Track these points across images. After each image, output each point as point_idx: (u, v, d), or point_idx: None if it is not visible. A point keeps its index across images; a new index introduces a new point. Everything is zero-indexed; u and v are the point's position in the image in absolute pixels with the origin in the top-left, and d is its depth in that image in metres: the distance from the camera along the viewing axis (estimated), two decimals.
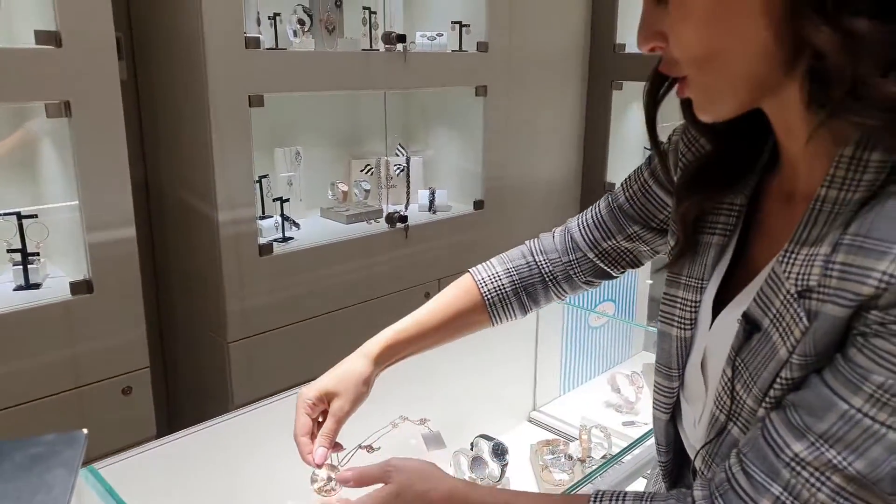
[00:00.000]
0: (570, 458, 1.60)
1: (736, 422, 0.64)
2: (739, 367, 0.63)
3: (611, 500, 0.66)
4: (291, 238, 2.35)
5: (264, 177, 2.41)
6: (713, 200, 0.72)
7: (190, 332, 2.37)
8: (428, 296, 2.75)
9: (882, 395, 0.51)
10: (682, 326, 0.72)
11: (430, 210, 2.71)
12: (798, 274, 0.57)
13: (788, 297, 0.57)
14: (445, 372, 1.60)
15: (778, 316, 0.58)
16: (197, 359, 2.37)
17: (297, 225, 2.44)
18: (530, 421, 1.85)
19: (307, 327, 2.31)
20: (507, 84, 2.85)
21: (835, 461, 0.53)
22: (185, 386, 2.50)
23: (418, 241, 2.56)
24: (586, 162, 3.32)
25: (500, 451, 1.46)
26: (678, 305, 0.73)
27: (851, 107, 0.51)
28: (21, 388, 1.79)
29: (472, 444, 1.51)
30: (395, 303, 2.54)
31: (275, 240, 2.30)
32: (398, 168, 2.75)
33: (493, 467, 1.46)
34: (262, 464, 1.29)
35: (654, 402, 0.78)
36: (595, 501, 0.67)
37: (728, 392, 0.64)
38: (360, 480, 0.83)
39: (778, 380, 0.58)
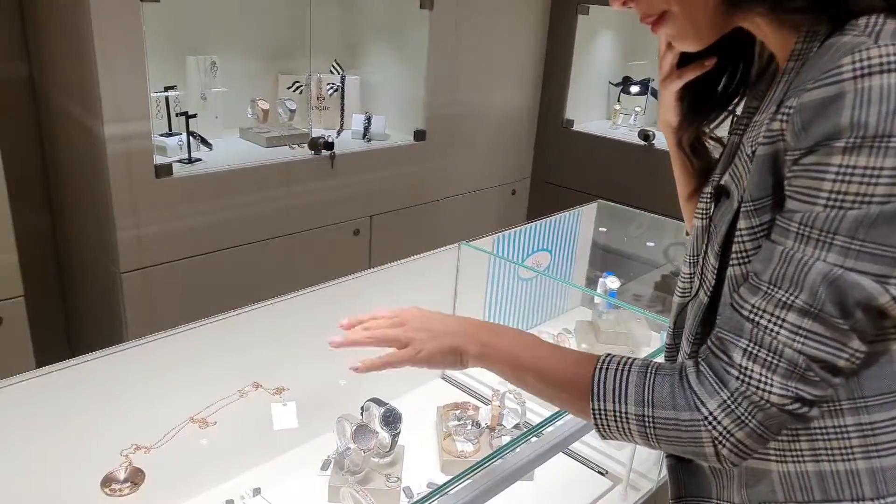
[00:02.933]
0: (478, 425, 1.42)
1: (702, 285, 0.70)
2: (712, 233, 0.69)
3: (617, 368, 0.69)
4: (199, 160, 2.08)
5: (171, 88, 2.13)
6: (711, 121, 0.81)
7: (85, 259, 2.12)
8: (357, 233, 2.54)
9: (805, 229, 0.57)
10: (702, 217, 0.75)
11: (363, 138, 2.45)
12: (753, 136, 0.64)
13: (746, 159, 0.64)
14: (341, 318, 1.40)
15: (738, 177, 0.66)
16: (92, 288, 2.13)
17: (208, 145, 2.17)
18: (444, 378, 1.67)
19: (212, 261, 2.07)
20: None
21: (783, 299, 0.59)
22: (83, 317, 2.27)
23: (348, 171, 2.31)
24: (545, 95, 3.05)
25: (391, 419, 1.27)
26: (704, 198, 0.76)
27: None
28: None
29: (361, 408, 1.32)
30: (317, 240, 2.31)
31: (179, 160, 2.04)
32: (332, 88, 2.47)
33: (383, 436, 1.28)
34: (139, 402, 1.09)
35: (676, 288, 0.82)
36: (601, 365, 0.70)
37: (701, 258, 0.71)
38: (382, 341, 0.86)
39: (737, 233, 0.64)
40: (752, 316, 0.61)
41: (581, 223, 1.91)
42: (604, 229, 2.00)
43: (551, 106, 3.04)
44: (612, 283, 1.73)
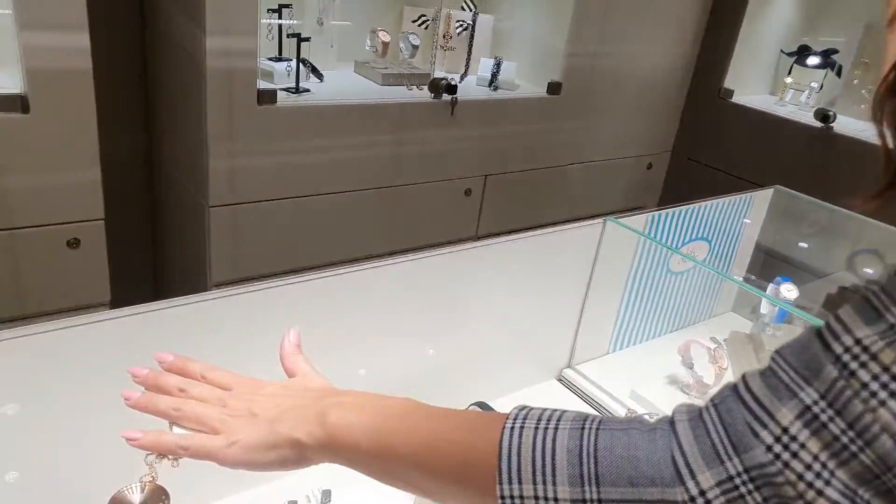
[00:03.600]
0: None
1: None
2: None
3: (537, 426, 0.46)
4: (307, 91, 1.85)
5: (287, 6, 1.89)
6: None
7: (175, 188, 1.95)
8: (468, 193, 2.26)
9: None
10: None
11: (490, 85, 2.15)
12: None
13: None
14: (456, 299, 1.13)
15: None
16: (179, 220, 1.96)
17: (319, 75, 1.93)
18: (560, 381, 1.38)
19: (307, 206, 1.85)
20: None
21: None
22: (168, 250, 2.12)
23: (468, 121, 2.02)
24: (702, 56, 2.61)
25: None
26: None
27: None
28: None
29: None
30: (423, 195, 2.04)
31: (286, 88, 1.81)
32: (460, 25, 2.17)
33: None
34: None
35: None
36: (513, 423, 0.47)
37: None
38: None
39: None
40: (851, 353, 0.37)
41: (752, 212, 1.54)
42: (775, 223, 1.63)
43: (708, 71, 2.61)
44: (789, 291, 1.37)
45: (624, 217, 1.28)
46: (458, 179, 2.10)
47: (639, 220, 1.32)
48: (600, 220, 1.26)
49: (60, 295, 1.61)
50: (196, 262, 1.84)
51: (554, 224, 1.24)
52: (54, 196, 1.53)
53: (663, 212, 1.35)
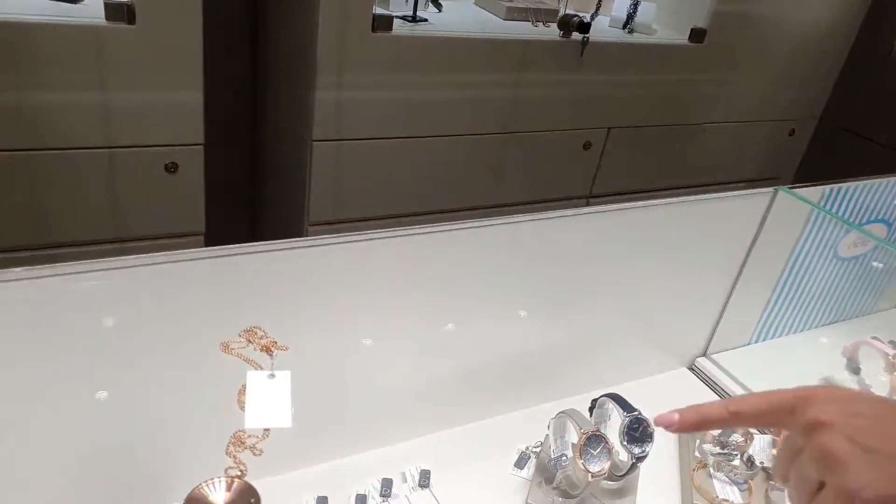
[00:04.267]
0: (751, 463, 0.95)
1: None
2: None
3: None
4: (424, 20, 1.68)
5: None
6: None
7: (279, 119, 1.85)
8: (588, 147, 2.05)
9: None
10: None
11: (624, 27, 1.92)
12: None
13: None
14: (573, 270, 0.96)
15: None
16: (281, 153, 1.86)
17: (438, 5, 1.76)
18: (692, 370, 1.20)
19: (413, 148, 1.70)
20: None
21: None
22: (268, 183, 2.03)
23: (597, 65, 1.81)
24: (871, 17, 2.25)
25: (640, 435, 0.83)
26: None
27: None
28: (35, 130, 1.36)
29: (593, 403, 0.90)
30: (538, 145, 1.86)
31: (402, 17, 1.65)
32: None
33: (621, 456, 0.85)
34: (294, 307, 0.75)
35: None
36: None
37: None
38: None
39: None
40: None
41: None
42: None
43: (877, 30, 2.26)
44: None
45: (797, 188, 1.06)
46: (578, 130, 1.90)
47: (813, 193, 1.10)
48: (769, 188, 1.05)
49: (155, 221, 1.55)
50: (294, 198, 1.74)
51: (669, 190, 1.05)
52: (154, 116, 1.44)
53: (842, 185, 1.12)
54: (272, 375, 0.51)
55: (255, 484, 0.85)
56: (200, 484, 0.41)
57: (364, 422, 0.90)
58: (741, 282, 1.12)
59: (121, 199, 1.52)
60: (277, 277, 0.74)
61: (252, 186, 2.12)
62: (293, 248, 0.74)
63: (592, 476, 0.78)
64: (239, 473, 0.43)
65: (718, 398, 1.13)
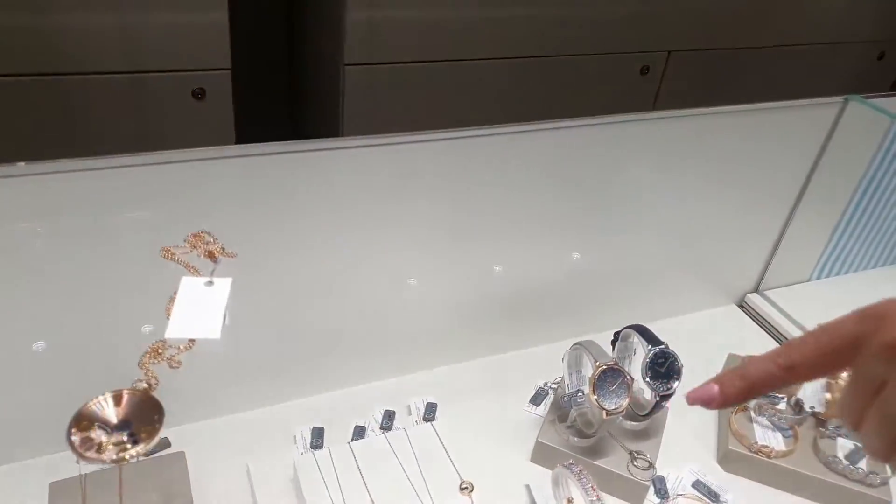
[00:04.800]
0: (799, 408, 0.84)
1: None
2: None
3: None
4: None
5: None
6: None
7: (308, 40, 1.77)
8: (646, 72, 1.90)
9: None
10: None
11: None
12: None
13: None
14: (613, 189, 0.86)
15: None
16: (312, 78, 1.79)
17: None
18: (742, 307, 1.08)
19: (451, 72, 1.60)
20: None
21: None
22: (299, 110, 1.97)
23: None
24: None
25: (666, 370, 0.74)
26: None
27: None
28: (58, 53, 1.33)
29: (616, 336, 0.81)
30: (591, 70, 1.72)
31: None
32: None
33: (644, 393, 0.76)
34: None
35: None
36: None
37: None
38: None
39: None
40: None
41: None
42: None
43: None
44: None
45: (873, 97, 0.92)
46: (635, 53, 1.74)
47: (892, 104, 0.95)
48: (838, 97, 0.91)
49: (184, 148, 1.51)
50: (327, 124, 1.67)
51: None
52: (179, 39, 1.39)
53: None
54: (210, 283, 0.45)
55: (245, 416, 0.82)
56: (94, 398, 0.35)
57: (368, 351, 0.84)
58: (802, 207, 0.99)
59: (150, 127, 1.49)
60: (262, 185, 0.67)
61: (285, 112, 2.06)
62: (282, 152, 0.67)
63: (608, 413, 0.70)
64: (146, 387, 0.37)
65: (772, 340, 1.02)
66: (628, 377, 0.71)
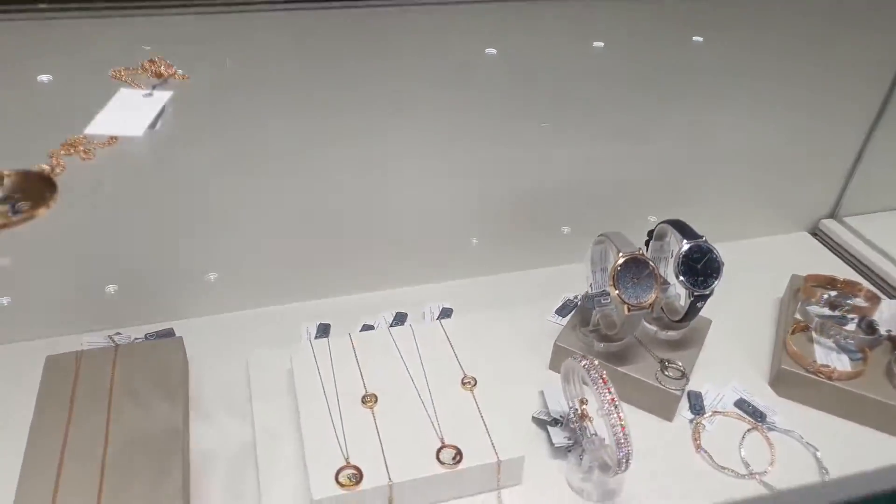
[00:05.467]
0: (872, 329, 0.73)
1: None
2: None
3: None
4: None
5: None
6: None
7: None
8: None
9: None
10: None
11: None
12: None
13: None
14: (668, 91, 0.77)
15: None
16: None
17: None
18: (816, 235, 0.96)
19: None
20: None
21: None
22: None
23: None
24: None
25: (703, 267, 0.65)
26: None
27: None
28: None
29: (650, 233, 0.72)
30: None
31: None
32: None
33: (675, 292, 0.67)
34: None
35: None
36: None
37: None
38: None
39: None
40: None
41: None
42: None
43: None
44: None
45: None
46: None
47: None
48: None
49: None
50: None
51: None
52: None
53: None
54: (149, 94, 0.41)
55: (254, 312, 0.79)
56: None
57: (388, 257, 0.79)
58: (884, 121, 0.86)
59: None
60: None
61: None
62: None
63: (630, 308, 0.62)
64: (46, 169, 0.33)
65: (848, 268, 0.89)
66: (657, 271, 0.63)
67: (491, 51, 0.68)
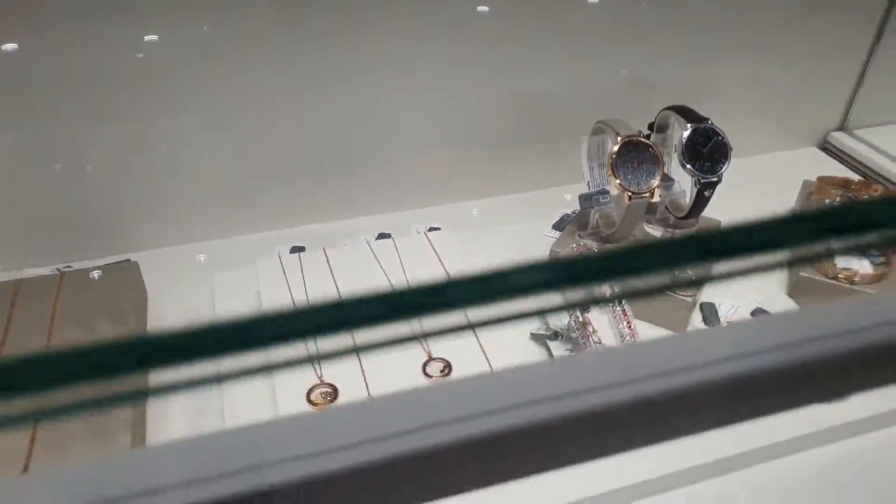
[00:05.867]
0: None
1: None
2: None
3: None
4: None
5: None
6: None
7: None
8: None
9: None
10: None
11: None
12: None
13: None
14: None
15: None
16: None
17: None
18: (826, 149, 0.90)
19: None
20: None
21: None
22: None
23: None
24: None
25: (708, 150, 0.59)
26: None
27: None
28: None
29: (650, 127, 0.65)
30: None
31: None
32: None
33: (677, 180, 0.61)
34: None
35: None
36: None
37: None
38: None
39: None
40: None
41: None
42: None
43: None
44: None
45: None
46: None
47: None
48: None
49: None
50: None
51: None
52: None
53: None
54: None
55: (212, 244, 0.72)
56: None
57: (373, 181, 0.73)
58: (892, 26, 0.80)
59: None
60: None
61: None
62: None
63: (631, 196, 0.55)
64: None
65: (859, 177, 0.83)
66: (660, 155, 0.57)
67: None
